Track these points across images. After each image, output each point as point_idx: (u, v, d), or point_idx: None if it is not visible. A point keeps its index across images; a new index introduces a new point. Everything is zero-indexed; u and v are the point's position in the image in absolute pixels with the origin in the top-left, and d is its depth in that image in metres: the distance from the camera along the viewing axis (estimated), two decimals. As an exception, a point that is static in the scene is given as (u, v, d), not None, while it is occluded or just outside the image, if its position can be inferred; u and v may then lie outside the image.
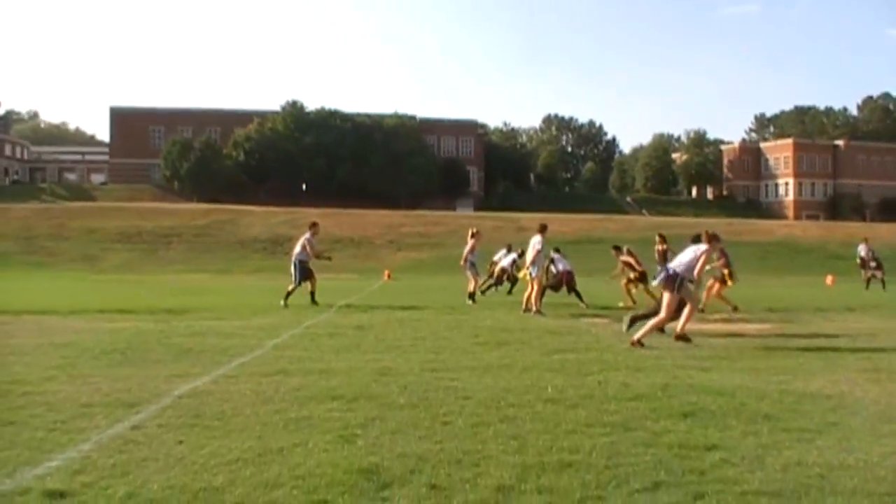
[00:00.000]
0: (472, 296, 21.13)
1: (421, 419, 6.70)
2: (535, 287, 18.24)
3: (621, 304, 20.44)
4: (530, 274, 18.56)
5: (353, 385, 8.25)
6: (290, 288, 19.81)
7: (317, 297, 19.72)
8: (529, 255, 18.81)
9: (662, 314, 12.27)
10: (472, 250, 21.91)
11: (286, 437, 6.06)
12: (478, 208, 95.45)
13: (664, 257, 23.53)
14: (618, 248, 21.85)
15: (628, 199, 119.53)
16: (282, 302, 19.21)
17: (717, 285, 19.17)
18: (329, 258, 21.38)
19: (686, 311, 12.42)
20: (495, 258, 25.75)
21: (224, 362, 9.96)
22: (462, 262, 22.23)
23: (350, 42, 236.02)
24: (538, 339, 12.85)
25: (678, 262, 12.57)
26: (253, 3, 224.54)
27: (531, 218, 68.49)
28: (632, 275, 20.70)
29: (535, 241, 18.57)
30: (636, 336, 12.04)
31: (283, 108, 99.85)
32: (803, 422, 6.66)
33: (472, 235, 22.22)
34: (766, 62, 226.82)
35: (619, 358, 10.57)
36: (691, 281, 12.37)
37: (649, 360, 10.42)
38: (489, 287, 25.01)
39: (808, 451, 5.74)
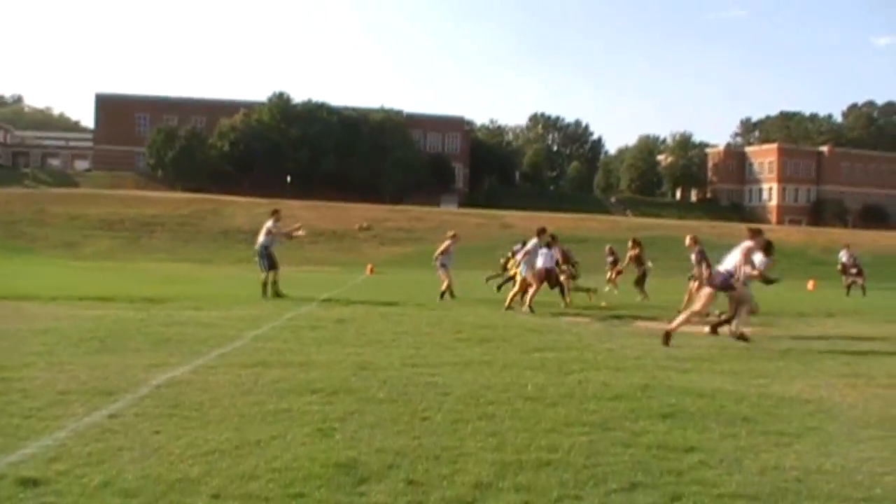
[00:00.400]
0: (443, 294, 20.95)
1: (400, 414, 6.68)
2: (527, 286, 18.37)
3: (604, 304, 20.49)
4: (520, 273, 18.69)
5: (332, 378, 8.22)
6: (263, 278, 19.59)
7: (283, 290, 19.60)
8: (519, 256, 19.04)
9: (697, 307, 13.02)
10: (445, 251, 21.62)
11: (264, 430, 6.03)
12: (462, 204, 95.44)
13: (638, 261, 23.92)
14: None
15: (612, 199, 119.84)
16: (261, 294, 19.10)
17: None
18: (299, 229, 21.22)
19: (742, 310, 12.62)
20: (513, 250, 25.17)
21: (203, 352, 9.91)
22: (434, 260, 22.02)
23: (338, 36, 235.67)
24: (519, 336, 12.85)
25: (727, 262, 12.79)
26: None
27: (515, 216, 68.75)
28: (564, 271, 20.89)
29: (531, 244, 18.69)
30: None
31: (270, 100, 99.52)
32: (782, 425, 6.67)
33: (451, 237, 22.05)
34: (752, 67, 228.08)
35: (599, 357, 10.58)
36: (739, 279, 12.63)
37: (629, 360, 10.44)
38: (505, 282, 24.52)
39: (785, 454, 5.76)
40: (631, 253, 24.52)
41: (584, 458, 5.48)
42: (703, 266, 18.06)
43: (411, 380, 8.33)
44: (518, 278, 18.97)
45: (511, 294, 18.85)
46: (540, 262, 18.77)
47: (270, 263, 19.55)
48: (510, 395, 7.62)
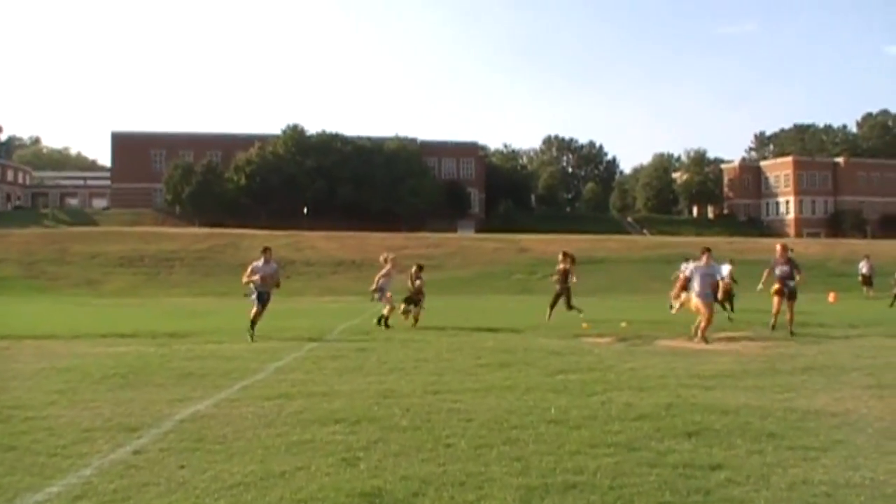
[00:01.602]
0: (383, 320, 20.06)
1: (423, 442, 6.67)
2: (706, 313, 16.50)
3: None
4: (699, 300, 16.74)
5: (355, 408, 8.22)
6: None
7: (255, 328, 17.46)
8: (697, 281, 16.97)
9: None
10: (386, 275, 20.99)
11: (288, 461, 6.03)
12: (479, 229, 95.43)
13: (565, 276, 22.52)
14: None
15: (629, 218, 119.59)
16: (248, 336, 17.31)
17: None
18: (286, 277, 20.54)
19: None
20: (681, 268, 24.00)
21: (226, 386, 9.93)
22: (372, 288, 21.32)
23: (351, 67, 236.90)
24: (541, 359, 12.80)
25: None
26: (254, 28, 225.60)
27: (532, 239, 68.66)
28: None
29: (691, 266, 17.57)
30: None
31: (284, 132, 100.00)
32: (808, 440, 6.63)
33: (387, 261, 21.30)
34: (764, 80, 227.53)
35: (622, 378, 10.54)
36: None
37: (652, 379, 10.39)
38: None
39: (813, 469, 5.72)
40: (560, 267, 22.99)
41: (611, 480, 5.46)
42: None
43: (434, 406, 8.32)
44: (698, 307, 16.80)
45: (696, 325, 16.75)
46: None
47: (261, 303, 17.75)
48: (533, 419, 7.59)
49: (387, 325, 19.93)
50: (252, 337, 16.87)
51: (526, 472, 5.66)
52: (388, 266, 21.25)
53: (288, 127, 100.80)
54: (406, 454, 6.24)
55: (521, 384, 9.97)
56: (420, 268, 21.71)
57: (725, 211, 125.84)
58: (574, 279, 23.06)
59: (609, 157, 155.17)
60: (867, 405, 8.23)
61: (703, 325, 16.25)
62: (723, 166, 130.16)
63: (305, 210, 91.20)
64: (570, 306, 22.20)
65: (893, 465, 5.78)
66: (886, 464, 5.84)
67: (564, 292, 22.54)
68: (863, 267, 34.92)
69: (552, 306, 22.56)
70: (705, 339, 15.93)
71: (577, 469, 5.73)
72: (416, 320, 20.68)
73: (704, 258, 17.04)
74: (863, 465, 5.82)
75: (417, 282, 21.26)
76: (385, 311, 20.21)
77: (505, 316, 24.72)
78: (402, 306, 20.65)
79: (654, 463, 5.91)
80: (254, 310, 17.55)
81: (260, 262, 18.46)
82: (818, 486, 5.31)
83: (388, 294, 20.85)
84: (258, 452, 6.33)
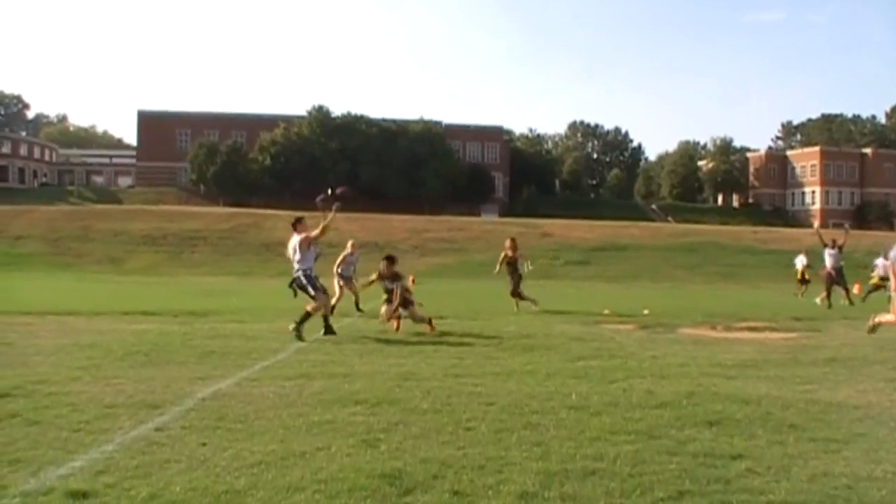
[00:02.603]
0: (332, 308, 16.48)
1: (444, 425, 6.68)
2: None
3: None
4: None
5: (375, 389, 8.24)
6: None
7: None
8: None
9: None
10: (343, 261, 19.72)
11: (309, 441, 6.06)
12: (503, 214, 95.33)
13: (513, 266, 20.89)
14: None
15: (653, 206, 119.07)
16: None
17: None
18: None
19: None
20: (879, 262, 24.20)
21: (247, 365, 9.99)
22: (336, 270, 19.77)
23: (376, 48, 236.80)
24: (562, 345, 12.79)
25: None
26: (280, 8, 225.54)
27: (555, 224, 68.57)
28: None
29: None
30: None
31: (309, 114, 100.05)
32: (830, 432, 6.58)
33: (350, 246, 20.18)
34: (792, 69, 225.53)
35: (643, 365, 10.51)
36: None
37: (674, 367, 10.36)
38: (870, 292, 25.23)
39: (834, 461, 5.68)
40: (507, 254, 21.25)
41: (630, 468, 5.44)
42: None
43: (454, 390, 8.33)
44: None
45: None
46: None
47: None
48: (554, 405, 7.58)
49: (357, 308, 19.11)
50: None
51: (546, 457, 5.66)
52: (346, 251, 20.03)
53: (313, 108, 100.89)
54: (426, 437, 6.26)
55: (543, 369, 9.95)
56: (391, 260, 15.73)
57: (751, 200, 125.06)
58: (529, 266, 22.00)
59: (634, 143, 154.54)
60: (890, 398, 8.16)
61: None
62: (749, 155, 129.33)
63: (329, 191, 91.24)
64: (515, 293, 20.85)
65: (917, 459, 5.73)
66: (909, 457, 5.79)
67: (516, 279, 21.01)
68: (799, 261, 33.32)
69: (517, 296, 20.89)
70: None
71: (596, 455, 5.72)
72: (398, 326, 15.14)
73: None
74: (884, 458, 5.77)
75: (394, 285, 15.12)
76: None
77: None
78: (385, 309, 15.26)
79: (674, 451, 5.89)
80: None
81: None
82: (839, 478, 5.27)
83: (341, 282, 19.61)
84: (279, 432, 6.35)
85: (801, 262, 32.91)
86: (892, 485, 5.14)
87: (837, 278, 24.67)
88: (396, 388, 8.40)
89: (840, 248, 24.97)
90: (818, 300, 24.34)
